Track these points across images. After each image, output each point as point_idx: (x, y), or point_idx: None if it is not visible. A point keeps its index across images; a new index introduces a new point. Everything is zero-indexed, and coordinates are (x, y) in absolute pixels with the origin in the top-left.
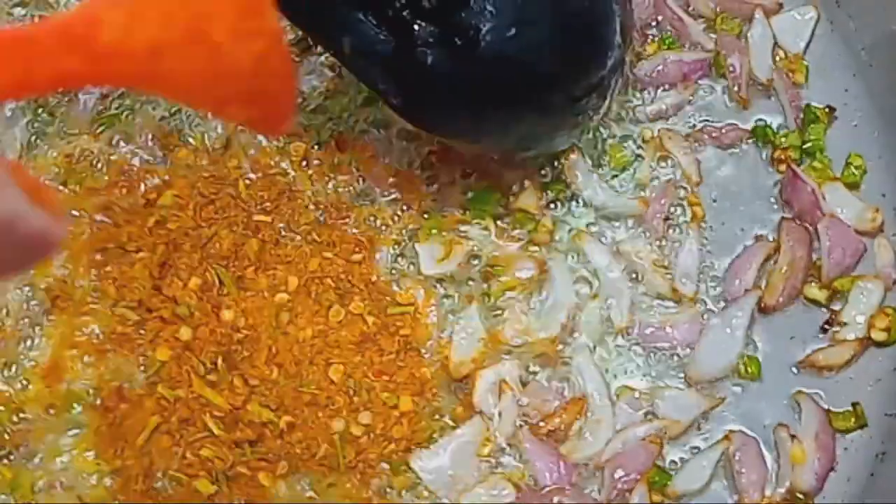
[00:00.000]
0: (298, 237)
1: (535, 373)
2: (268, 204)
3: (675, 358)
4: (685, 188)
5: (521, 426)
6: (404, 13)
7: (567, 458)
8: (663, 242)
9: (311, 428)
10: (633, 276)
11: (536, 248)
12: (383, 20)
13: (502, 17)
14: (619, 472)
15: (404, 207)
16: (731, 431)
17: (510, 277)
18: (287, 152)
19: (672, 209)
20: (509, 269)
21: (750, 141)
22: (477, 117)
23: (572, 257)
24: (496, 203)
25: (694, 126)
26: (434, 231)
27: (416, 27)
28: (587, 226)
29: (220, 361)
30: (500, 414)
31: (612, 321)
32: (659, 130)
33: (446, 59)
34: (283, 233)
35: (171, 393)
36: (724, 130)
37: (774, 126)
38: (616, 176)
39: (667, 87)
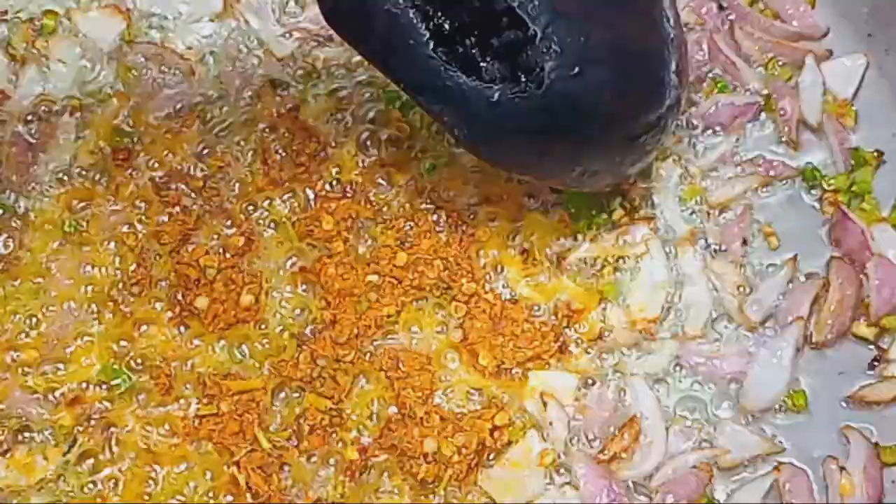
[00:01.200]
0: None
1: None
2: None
3: (726, 388)
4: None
5: (577, 450)
6: (473, 51)
7: (616, 474)
8: (743, 265)
9: (408, 445)
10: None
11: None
12: (453, 57)
13: (566, 57)
14: (670, 498)
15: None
16: (780, 463)
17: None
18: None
19: (752, 234)
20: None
21: (799, 181)
22: (539, 152)
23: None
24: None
25: (745, 166)
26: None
27: (484, 64)
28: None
29: (285, 335)
30: (551, 424)
31: (685, 330)
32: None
33: (512, 95)
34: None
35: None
36: (774, 169)
37: (823, 168)
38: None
39: (719, 128)
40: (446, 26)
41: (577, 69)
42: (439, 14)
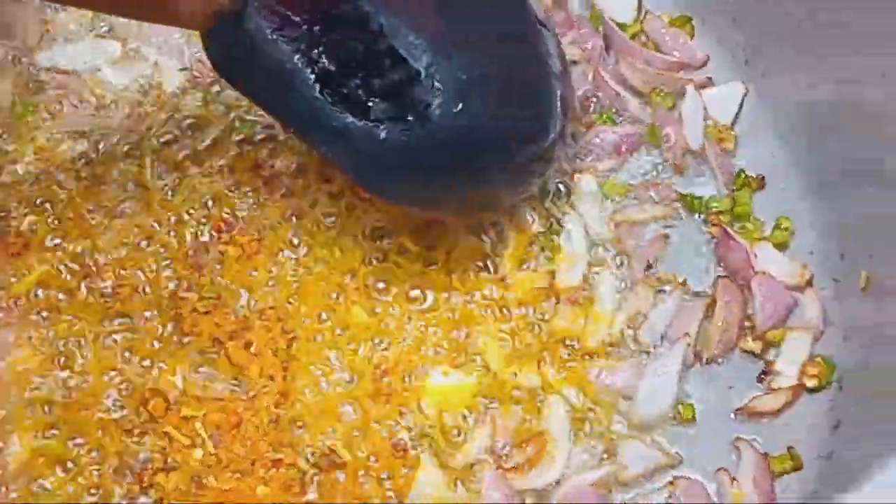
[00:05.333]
0: None
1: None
2: None
3: (617, 403)
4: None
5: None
6: (359, 91)
7: (512, 484)
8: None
9: None
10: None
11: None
12: (339, 97)
13: (450, 94)
14: None
15: None
16: (675, 477)
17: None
18: None
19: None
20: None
21: (683, 205)
22: (429, 187)
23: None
24: None
25: (634, 191)
26: None
27: (370, 104)
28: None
29: None
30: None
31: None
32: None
33: (399, 133)
34: None
35: None
36: (660, 194)
37: (707, 191)
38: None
39: (605, 157)
40: (332, 68)
41: (460, 105)
42: (324, 56)
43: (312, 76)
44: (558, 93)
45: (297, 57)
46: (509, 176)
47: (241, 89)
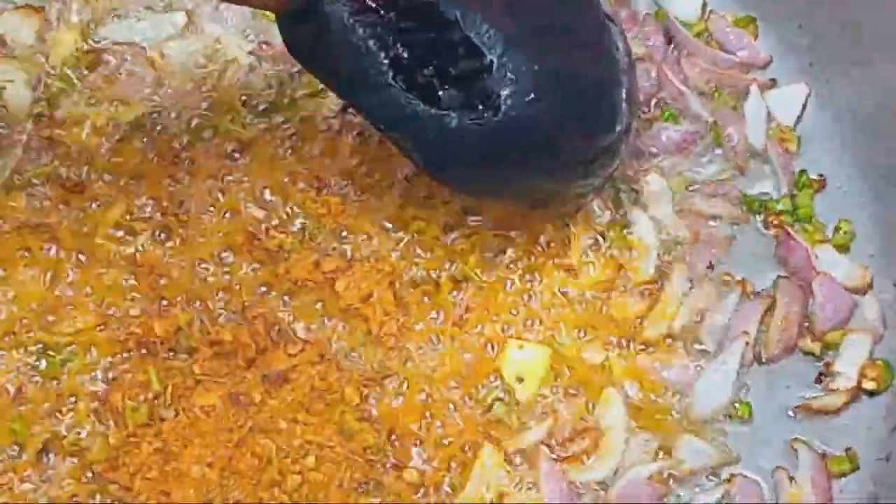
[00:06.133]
0: None
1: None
2: None
3: (673, 399)
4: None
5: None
6: (432, 80)
7: (568, 475)
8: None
9: None
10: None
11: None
12: (412, 85)
13: (521, 85)
14: None
15: None
16: (732, 475)
17: None
18: None
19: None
20: None
21: (745, 205)
22: (496, 176)
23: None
24: None
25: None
26: None
27: (441, 93)
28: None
29: None
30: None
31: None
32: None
33: (469, 122)
34: None
35: None
36: (722, 193)
37: (769, 192)
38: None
39: (667, 155)
40: (405, 56)
41: (531, 95)
42: (398, 44)
43: (386, 62)
44: (625, 88)
45: (372, 42)
46: (576, 168)
47: (313, 71)
